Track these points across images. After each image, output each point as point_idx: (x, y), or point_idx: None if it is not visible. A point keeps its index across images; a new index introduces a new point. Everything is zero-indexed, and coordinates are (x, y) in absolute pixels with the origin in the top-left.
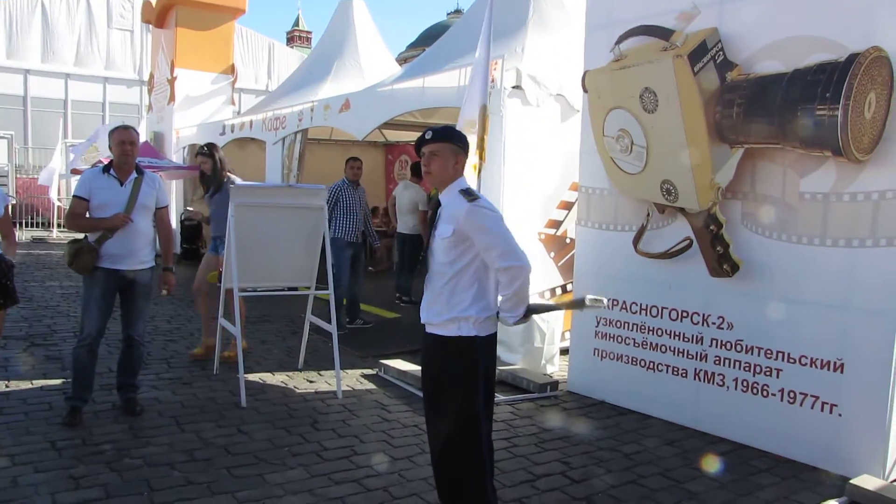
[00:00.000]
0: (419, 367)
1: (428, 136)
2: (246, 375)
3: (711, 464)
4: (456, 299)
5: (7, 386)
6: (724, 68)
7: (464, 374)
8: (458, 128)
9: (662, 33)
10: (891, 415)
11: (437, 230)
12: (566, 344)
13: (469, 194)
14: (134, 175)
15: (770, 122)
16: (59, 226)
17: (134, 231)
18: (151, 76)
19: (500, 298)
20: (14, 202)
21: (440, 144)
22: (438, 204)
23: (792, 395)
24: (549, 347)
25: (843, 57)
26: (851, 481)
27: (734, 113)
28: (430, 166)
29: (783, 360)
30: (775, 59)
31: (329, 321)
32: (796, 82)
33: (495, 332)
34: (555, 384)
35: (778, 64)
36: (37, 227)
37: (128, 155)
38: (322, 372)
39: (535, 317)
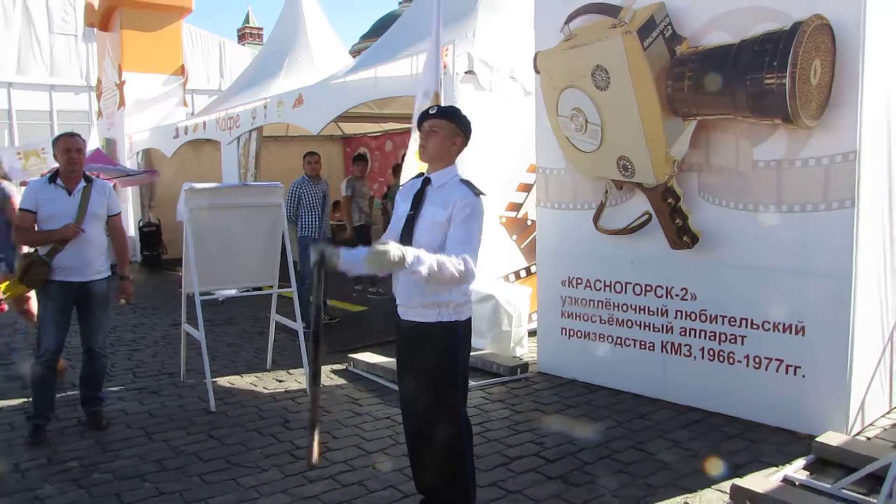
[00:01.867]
0: (388, 359)
1: (432, 111)
2: (214, 379)
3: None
4: (436, 286)
5: None
6: (673, 42)
7: (444, 360)
8: (414, 117)
9: (611, 10)
10: (851, 373)
11: (423, 210)
12: (534, 325)
13: (472, 187)
14: (82, 183)
15: (720, 93)
16: None
17: (86, 241)
18: (99, 81)
19: (431, 261)
20: None
21: (442, 121)
22: (427, 182)
23: (757, 360)
24: (517, 330)
25: (788, 26)
26: (817, 439)
27: (685, 86)
28: (428, 141)
29: (746, 326)
30: (723, 30)
31: (294, 319)
32: (744, 52)
33: (471, 317)
34: (525, 366)
35: (725, 35)
36: None
37: (75, 163)
38: (291, 371)
39: (501, 300)
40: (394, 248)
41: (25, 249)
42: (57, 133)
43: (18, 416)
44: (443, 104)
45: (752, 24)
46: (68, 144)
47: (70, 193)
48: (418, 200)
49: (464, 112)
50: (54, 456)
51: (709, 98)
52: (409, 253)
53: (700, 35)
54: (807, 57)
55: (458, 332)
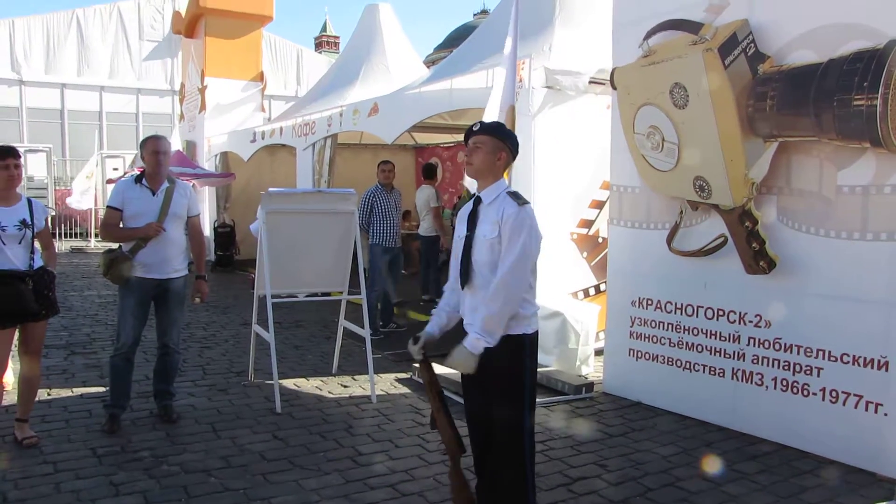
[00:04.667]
0: (453, 371)
1: (476, 127)
2: (281, 381)
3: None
4: None
5: (49, 394)
6: (756, 60)
7: (511, 374)
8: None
9: (691, 27)
10: None
11: (478, 230)
12: (601, 344)
13: (518, 197)
14: (166, 184)
15: (805, 114)
16: (96, 236)
17: (166, 240)
18: (182, 86)
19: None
20: (53, 213)
21: (486, 137)
22: (478, 201)
23: (834, 394)
24: (583, 348)
25: (882, 44)
26: None
27: (767, 106)
28: (472, 157)
29: (824, 358)
30: (809, 48)
31: (362, 325)
32: (832, 72)
33: (538, 330)
34: (590, 385)
35: (812, 54)
36: (75, 237)
37: (160, 165)
38: (356, 376)
39: (568, 318)
40: (465, 357)
41: (111, 245)
42: (142, 136)
43: (96, 404)
44: (517, 118)
45: (841, 43)
46: (156, 147)
47: (154, 193)
48: (473, 221)
49: (539, 126)
50: (128, 445)
51: (792, 119)
52: (473, 341)
53: (785, 53)
54: None
55: (525, 345)
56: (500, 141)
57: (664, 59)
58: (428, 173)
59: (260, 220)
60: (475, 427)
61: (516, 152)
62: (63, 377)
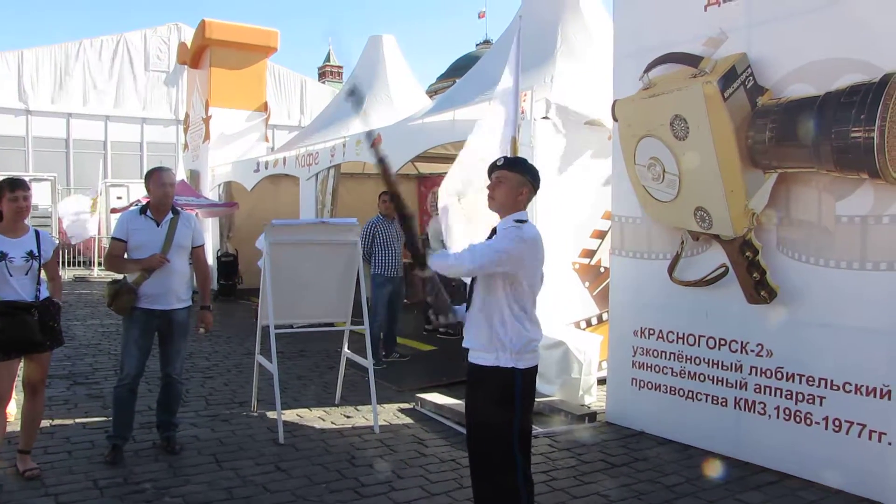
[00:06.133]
0: (456, 401)
1: (499, 162)
2: (283, 412)
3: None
4: (490, 324)
5: (51, 425)
6: (755, 93)
7: (498, 409)
8: (465, 146)
9: (691, 60)
10: None
11: None
12: (603, 374)
13: (519, 222)
14: (170, 215)
15: (803, 145)
16: (99, 265)
17: (171, 271)
18: (187, 116)
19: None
20: (57, 242)
21: (509, 172)
22: (494, 232)
23: (837, 423)
24: (586, 378)
25: (877, 78)
26: None
27: (766, 138)
28: (495, 192)
29: (826, 387)
30: (806, 82)
31: (365, 355)
32: (829, 105)
33: (535, 366)
34: (593, 415)
35: (809, 87)
36: (78, 265)
37: (167, 196)
38: (359, 407)
39: (571, 347)
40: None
41: (115, 276)
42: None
43: (99, 435)
44: (519, 149)
45: (837, 76)
46: (162, 178)
47: (158, 224)
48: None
49: (540, 157)
50: (130, 476)
51: (791, 150)
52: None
53: (783, 86)
54: None
55: (516, 381)
56: (523, 176)
57: (664, 92)
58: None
59: (264, 252)
60: (471, 459)
61: (538, 187)
62: (65, 407)
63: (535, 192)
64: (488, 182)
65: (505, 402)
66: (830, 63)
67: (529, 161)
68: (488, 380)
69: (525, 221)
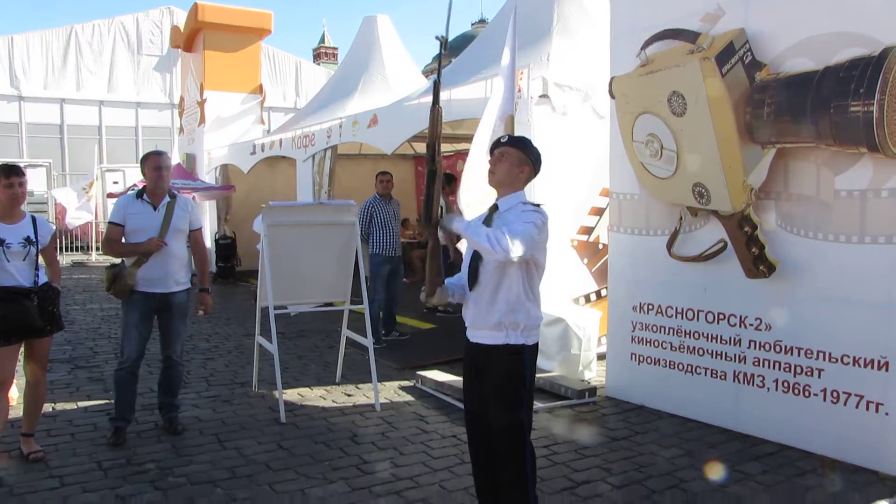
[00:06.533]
0: (456, 378)
1: (503, 140)
2: (284, 391)
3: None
4: (504, 305)
5: (54, 408)
6: (753, 68)
7: (509, 384)
8: (475, 138)
9: (688, 36)
10: None
11: None
12: (603, 349)
13: (537, 205)
14: (167, 199)
15: (802, 120)
16: (97, 249)
17: (169, 254)
18: (182, 99)
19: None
20: (54, 228)
21: (512, 149)
22: (494, 208)
23: (835, 394)
24: (585, 353)
25: (877, 51)
26: None
27: (765, 113)
28: (497, 167)
29: (824, 359)
30: (805, 56)
31: (365, 335)
32: (828, 79)
33: (538, 343)
34: (593, 390)
35: (808, 61)
36: (75, 250)
37: (163, 179)
38: (360, 385)
39: (570, 323)
40: (455, 222)
41: (113, 260)
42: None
43: (101, 417)
44: (516, 128)
45: (836, 50)
46: (157, 162)
47: (155, 208)
48: (487, 226)
49: (538, 135)
50: (133, 457)
51: (789, 125)
52: (457, 220)
53: (781, 61)
54: None
55: (526, 356)
56: (526, 155)
57: (662, 68)
58: (444, 182)
59: (261, 233)
60: (475, 436)
61: (538, 170)
62: (67, 391)
63: (535, 174)
64: (490, 157)
65: (516, 379)
66: (829, 37)
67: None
68: (497, 359)
69: (539, 205)
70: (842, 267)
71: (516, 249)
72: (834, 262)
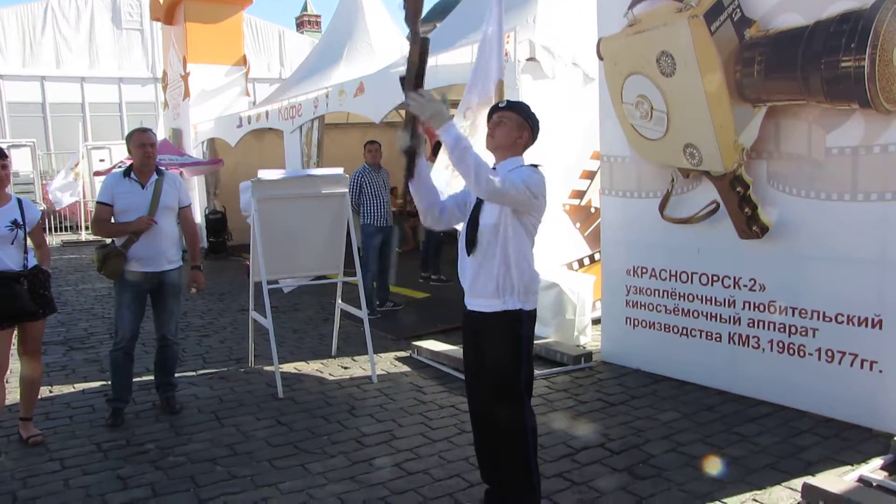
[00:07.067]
0: (452, 347)
1: (502, 104)
2: (281, 366)
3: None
4: (502, 270)
5: (51, 391)
6: (742, 25)
7: (508, 351)
8: (461, 105)
9: None
10: None
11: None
12: (598, 314)
13: (535, 166)
14: (155, 177)
15: (793, 77)
16: (86, 228)
17: (159, 232)
18: (165, 73)
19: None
20: (42, 208)
21: (511, 113)
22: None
23: (830, 353)
24: (580, 319)
25: (868, 4)
26: None
27: (755, 71)
28: (495, 131)
29: (819, 319)
30: (795, 11)
31: (359, 306)
32: (818, 34)
33: (536, 309)
34: (589, 355)
35: (798, 17)
36: (65, 230)
37: (149, 157)
38: (356, 357)
39: (564, 289)
40: (441, 107)
41: (103, 240)
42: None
43: (98, 399)
44: (505, 93)
45: (826, 5)
46: (142, 140)
47: (143, 187)
48: None
49: (526, 99)
50: (132, 438)
51: (780, 83)
52: (451, 123)
53: (771, 17)
54: (889, 37)
55: (523, 321)
56: (525, 120)
57: (650, 28)
58: (437, 151)
59: (252, 207)
60: (475, 404)
61: (536, 136)
62: (63, 373)
63: (533, 140)
64: (488, 122)
65: (512, 344)
66: None
67: None
68: (494, 325)
69: (538, 166)
70: (835, 225)
71: (504, 186)
72: (827, 221)
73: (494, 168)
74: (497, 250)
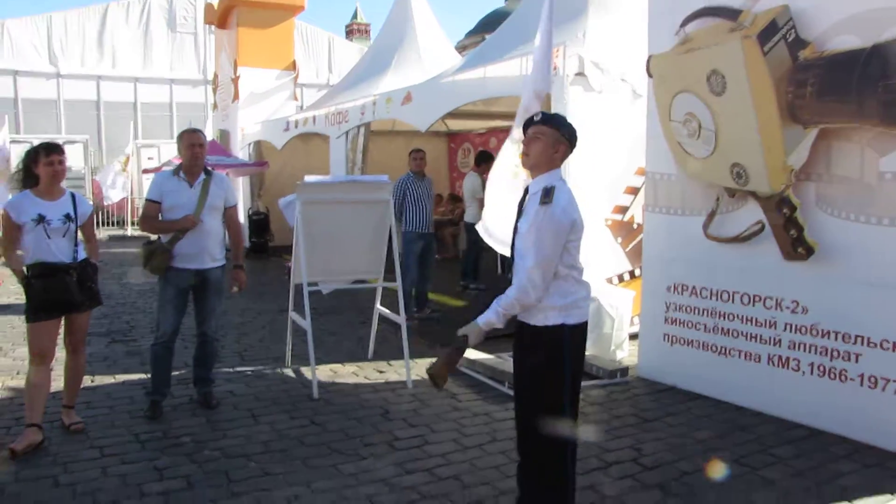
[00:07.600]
0: (489, 356)
1: (536, 118)
2: (317, 367)
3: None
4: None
5: (92, 381)
6: (797, 47)
7: (547, 367)
8: (518, 117)
9: (729, 13)
10: None
11: (520, 221)
12: (635, 329)
13: (546, 195)
14: (203, 176)
15: (847, 100)
16: (132, 224)
17: (204, 231)
18: (215, 76)
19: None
20: (92, 205)
21: (545, 128)
22: (527, 191)
23: (872, 379)
24: (618, 333)
25: None
26: None
27: (807, 92)
28: (530, 148)
29: (862, 344)
30: (852, 33)
31: (397, 312)
32: (877, 57)
33: (585, 322)
34: (625, 370)
35: (855, 39)
36: (112, 225)
37: (197, 157)
38: (392, 362)
39: (603, 303)
40: (471, 331)
41: (150, 236)
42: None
43: (138, 391)
44: (553, 106)
45: (885, 27)
46: (192, 140)
47: (191, 185)
48: (521, 210)
49: (573, 114)
50: (169, 430)
51: (833, 105)
52: (483, 319)
53: (826, 39)
54: None
55: (565, 337)
56: (560, 133)
57: (701, 47)
58: (480, 161)
59: (296, 210)
60: (517, 416)
61: (574, 145)
62: (105, 364)
63: (571, 150)
64: (524, 138)
65: (555, 359)
66: (878, 13)
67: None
68: (537, 339)
69: (553, 189)
70: (884, 251)
71: (535, 278)
72: (876, 246)
73: (527, 189)
74: None
